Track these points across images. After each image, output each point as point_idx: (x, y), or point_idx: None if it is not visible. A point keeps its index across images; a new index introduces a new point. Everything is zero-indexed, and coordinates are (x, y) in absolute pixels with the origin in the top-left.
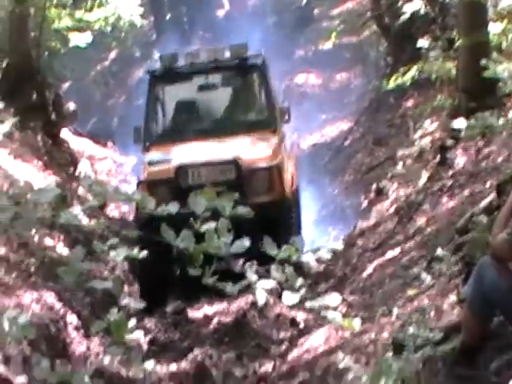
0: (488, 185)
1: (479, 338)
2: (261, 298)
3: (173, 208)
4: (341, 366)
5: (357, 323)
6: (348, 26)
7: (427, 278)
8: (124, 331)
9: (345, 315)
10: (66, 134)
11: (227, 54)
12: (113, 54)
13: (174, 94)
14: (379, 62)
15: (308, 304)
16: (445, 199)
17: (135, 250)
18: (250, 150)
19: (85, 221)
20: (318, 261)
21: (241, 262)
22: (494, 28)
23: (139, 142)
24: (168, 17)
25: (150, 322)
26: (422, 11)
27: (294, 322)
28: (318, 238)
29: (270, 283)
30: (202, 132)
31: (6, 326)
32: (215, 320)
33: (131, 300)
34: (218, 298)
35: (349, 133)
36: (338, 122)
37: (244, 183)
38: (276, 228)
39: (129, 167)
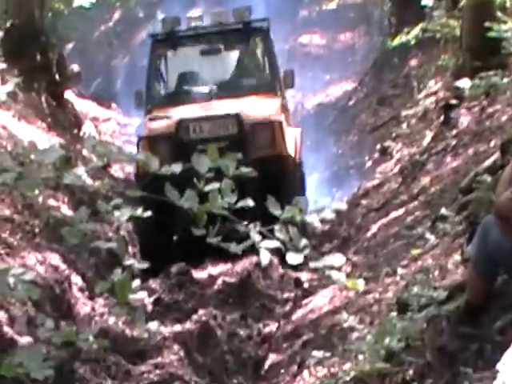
0: (492, 144)
1: (483, 297)
2: (265, 258)
3: (176, 167)
4: (345, 325)
5: (361, 283)
6: None
7: (431, 238)
8: (128, 291)
9: (349, 275)
10: (69, 95)
11: (230, 18)
12: (116, 15)
13: (176, 58)
14: (383, 22)
15: (312, 264)
16: (449, 159)
17: (139, 210)
18: (252, 107)
19: (89, 182)
20: (322, 221)
21: (244, 222)
22: None
23: (141, 107)
24: None
25: (154, 283)
26: None
27: (298, 283)
28: (322, 199)
29: (273, 243)
30: (204, 95)
31: (11, 282)
32: (219, 281)
33: (135, 261)
34: (222, 259)
35: (353, 93)
36: (342, 82)
37: (246, 138)
38: (279, 184)
39: (132, 128)
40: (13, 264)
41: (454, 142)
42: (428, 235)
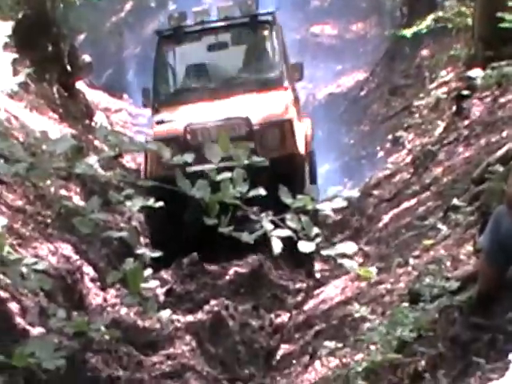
0: (504, 134)
1: (495, 287)
2: (277, 247)
3: (189, 157)
4: (357, 316)
5: (373, 271)
6: None
7: (443, 228)
8: (140, 280)
9: (361, 265)
10: (81, 86)
11: (237, 12)
12: (128, 6)
13: (183, 55)
14: (395, 12)
15: (324, 252)
16: (461, 149)
17: (151, 201)
18: (260, 106)
19: (100, 172)
20: (334, 211)
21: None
22: None
23: (148, 105)
24: None
25: (166, 274)
26: None
27: (310, 273)
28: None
29: (285, 232)
30: (213, 92)
31: (24, 272)
32: (231, 271)
33: (147, 250)
34: (233, 249)
35: (364, 83)
36: (354, 73)
37: (255, 139)
38: (290, 182)
39: (144, 119)
40: (25, 254)
41: (466, 132)
42: (440, 225)
